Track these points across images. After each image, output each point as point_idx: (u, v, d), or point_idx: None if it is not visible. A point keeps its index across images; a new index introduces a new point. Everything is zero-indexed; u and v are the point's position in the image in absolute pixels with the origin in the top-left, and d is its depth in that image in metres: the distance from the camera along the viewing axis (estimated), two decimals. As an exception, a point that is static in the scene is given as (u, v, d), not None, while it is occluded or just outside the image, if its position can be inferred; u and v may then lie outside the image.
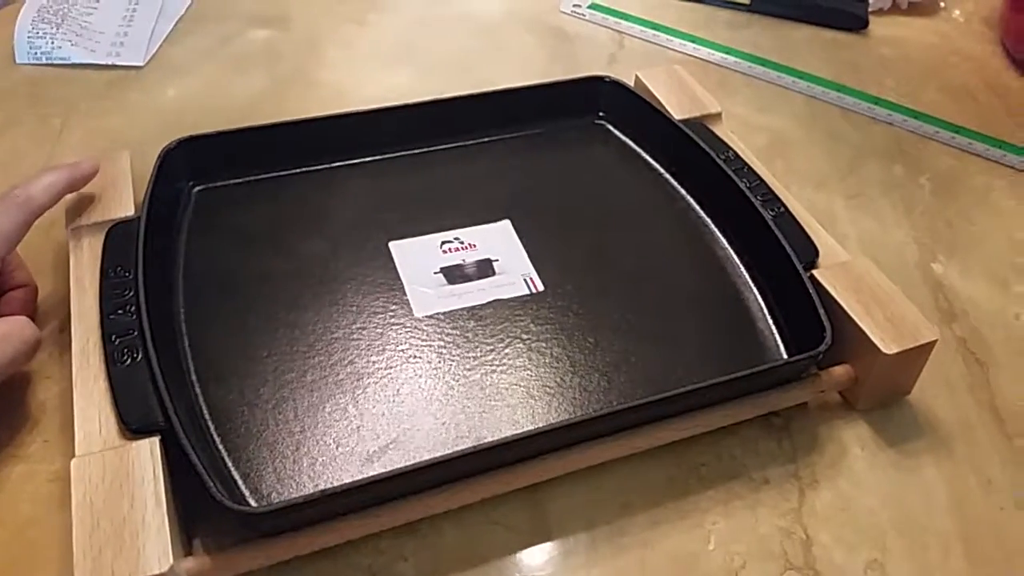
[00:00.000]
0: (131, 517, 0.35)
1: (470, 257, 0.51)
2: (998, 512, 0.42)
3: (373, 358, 0.45)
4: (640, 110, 0.59)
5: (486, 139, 0.59)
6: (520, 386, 0.44)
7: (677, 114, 0.58)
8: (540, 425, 0.42)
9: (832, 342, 0.43)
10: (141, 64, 0.68)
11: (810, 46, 0.77)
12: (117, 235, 0.47)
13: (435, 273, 0.50)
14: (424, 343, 0.46)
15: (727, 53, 0.75)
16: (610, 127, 0.61)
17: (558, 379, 0.45)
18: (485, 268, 0.50)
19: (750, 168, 0.54)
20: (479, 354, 0.46)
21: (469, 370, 0.45)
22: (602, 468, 0.42)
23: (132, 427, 0.38)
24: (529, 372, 0.45)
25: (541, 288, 0.49)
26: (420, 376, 0.44)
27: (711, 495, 0.42)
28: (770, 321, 0.49)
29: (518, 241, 0.52)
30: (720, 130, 0.58)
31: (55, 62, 0.68)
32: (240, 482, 0.39)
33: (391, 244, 0.51)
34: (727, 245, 0.53)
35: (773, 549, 0.40)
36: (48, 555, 0.38)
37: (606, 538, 0.40)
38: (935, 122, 0.68)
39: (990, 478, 0.44)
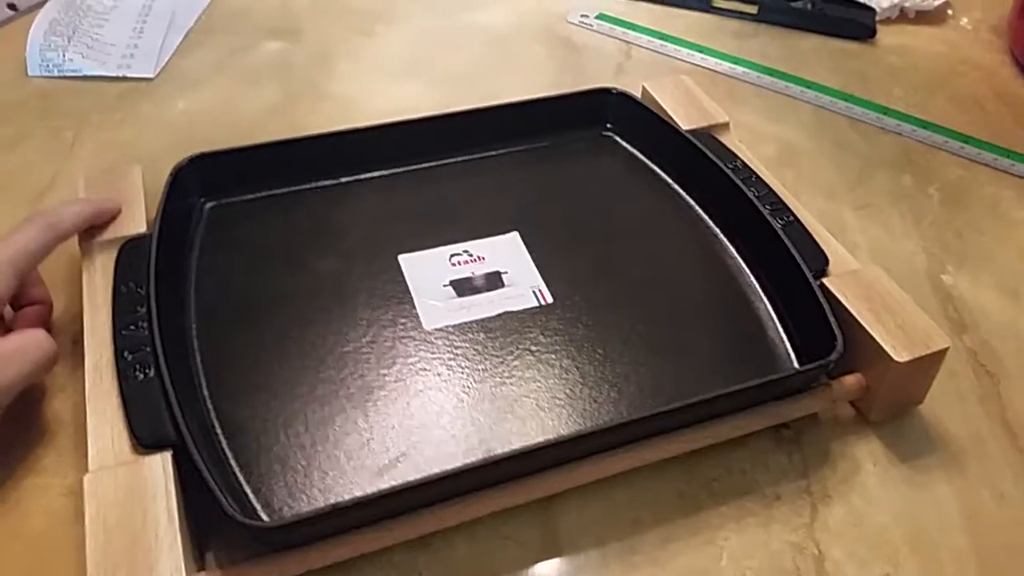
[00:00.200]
0: (144, 532, 0.35)
1: (479, 270, 0.51)
2: (1012, 527, 0.42)
3: (383, 371, 0.45)
4: (648, 121, 0.59)
5: (494, 152, 0.59)
6: (530, 398, 0.44)
7: (685, 124, 0.59)
8: (550, 437, 0.42)
9: (843, 351, 0.43)
10: (151, 76, 0.69)
11: (818, 56, 0.77)
12: (129, 251, 0.47)
13: (444, 286, 0.50)
14: (434, 356, 0.46)
15: (735, 63, 0.75)
16: (618, 139, 0.61)
17: (568, 391, 0.45)
18: (494, 280, 0.50)
19: (759, 177, 0.54)
20: (489, 366, 0.46)
21: (479, 383, 0.45)
22: (612, 483, 0.42)
23: (144, 442, 0.38)
24: (539, 384, 0.45)
25: (550, 300, 0.49)
26: (430, 389, 0.45)
27: (723, 511, 0.42)
28: (780, 330, 0.48)
29: (527, 253, 0.52)
30: (728, 140, 0.58)
31: (67, 74, 0.68)
32: (252, 497, 0.39)
33: (400, 257, 0.51)
34: (736, 255, 0.53)
35: (786, 565, 0.40)
36: (61, 569, 0.38)
37: (617, 555, 0.40)
38: (944, 132, 0.68)
39: (1003, 492, 0.44)
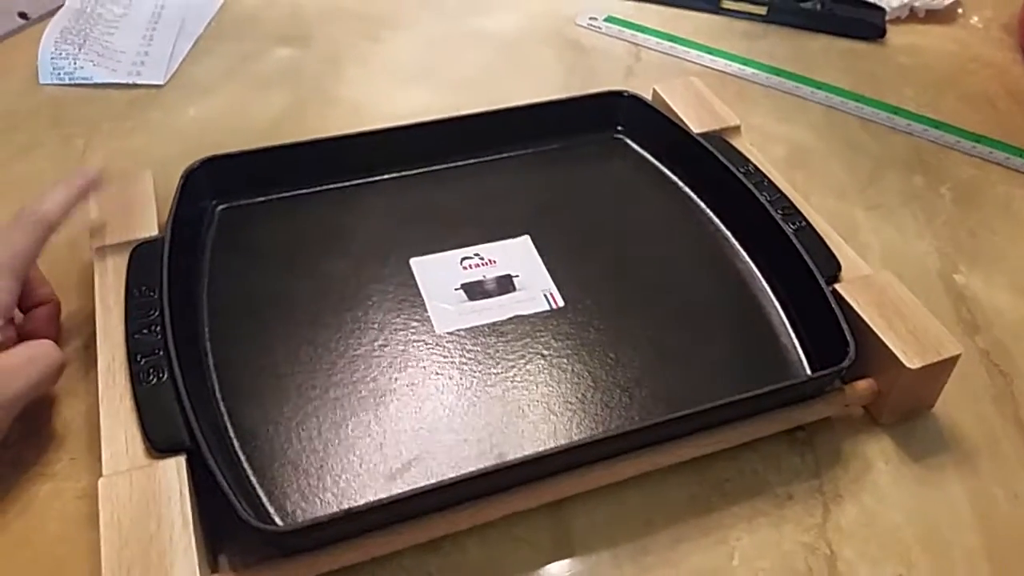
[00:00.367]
0: (158, 536, 0.35)
1: (490, 273, 0.51)
2: (1025, 527, 0.42)
3: (395, 375, 0.45)
4: (658, 124, 0.59)
5: (504, 155, 0.59)
6: (541, 402, 0.44)
7: (695, 127, 0.58)
8: (562, 442, 0.42)
9: (856, 357, 0.43)
10: (161, 83, 0.69)
11: (827, 56, 0.76)
12: (141, 255, 0.47)
13: (456, 289, 0.50)
14: (445, 359, 0.46)
15: (744, 64, 0.75)
16: (628, 141, 0.61)
17: (579, 395, 0.45)
18: (505, 284, 0.50)
19: (770, 181, 0.54)
20: (500, 370, 0.46)
21: (490, 386, 0.45)
22: (624, 485, 0.42)
23: (158, 446, 0.39)
24: (550, 388, 0.45)
25: (561, 304, 0.49)
26: (442, 392, 0.45)
27: (735, 511, 0.42)
28: (792, 335, 0.48)
29: (538, 257, 0.52)
30: (739, 142, 0.58)
31: (78, 82, 0.69)
32: (265, 500, 0.40)
33: (412, 261, 0.51)
34: (748, 259, 0.53)
35: (798, 565, 0.40)
36: (76, 573, 0.38)
37: (629, 556, 0.40)
38: (955, 131, 0.67)
39: (1016, 492, 0.43)
